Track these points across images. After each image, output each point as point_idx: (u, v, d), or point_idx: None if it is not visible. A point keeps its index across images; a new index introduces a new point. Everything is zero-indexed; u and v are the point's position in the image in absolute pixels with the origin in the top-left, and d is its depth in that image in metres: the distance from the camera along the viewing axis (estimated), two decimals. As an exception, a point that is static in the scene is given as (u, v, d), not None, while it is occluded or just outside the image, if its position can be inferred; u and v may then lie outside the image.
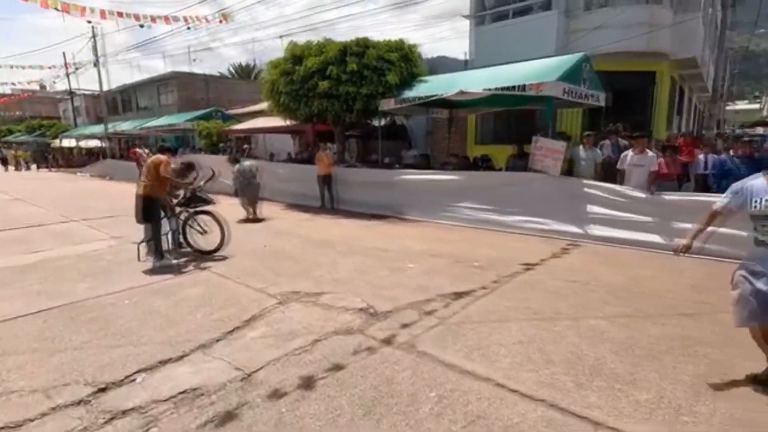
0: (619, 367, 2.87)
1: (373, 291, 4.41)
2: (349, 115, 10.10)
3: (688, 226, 5.35)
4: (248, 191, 9.02)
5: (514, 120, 12.29)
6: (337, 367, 2.92)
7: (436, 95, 8.51)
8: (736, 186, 2.67)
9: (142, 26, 17.26)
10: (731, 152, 5.94)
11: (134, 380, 2.84)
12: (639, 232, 6.00)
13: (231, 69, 38.50)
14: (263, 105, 13.70)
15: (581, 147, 7.39)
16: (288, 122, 11.75)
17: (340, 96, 9.67)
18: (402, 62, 9.92)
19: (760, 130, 17.78)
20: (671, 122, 13.11)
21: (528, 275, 4.95)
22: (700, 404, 2.46)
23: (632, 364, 2.91)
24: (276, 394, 2.63)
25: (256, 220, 8.74)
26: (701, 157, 7.08)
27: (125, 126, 24.72)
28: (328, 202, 10.09)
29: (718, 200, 2.78)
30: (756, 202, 2.49)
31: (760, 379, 2.63)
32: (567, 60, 7.77)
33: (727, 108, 34.56)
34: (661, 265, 5.17)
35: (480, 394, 2.59)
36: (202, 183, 6.19)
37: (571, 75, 7.52)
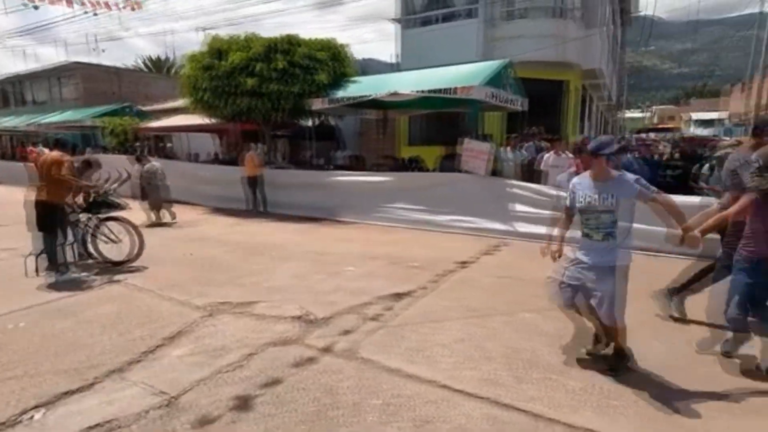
0: (553, 358, 3.03)
1: (311, 297, 4.24)
2: (278, 115, 9.73)
3: (635, 225, 5.95)
4: (156, 194, 8.41)
5: (443, 122, 12.71)
6: (275, 382, 2.74)
7: (368, 96, 8.49)
8: (570, 185, 2.94)
9: (36, 8, 15.17)
10: (636, 154, 6.63)
11: (31, 418, 2.42)
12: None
13: (144, 62, 35.44)
14: (183, 101, 12.74)
15: (507, 148, 7.80)
16: (211, 120, 11.03)
17: (268, 94, 9.27)
18: (332, 62, 9.78)
19: (652, 135, 20.35)
20: (581, 127, 14.44)
21: (463, 273, 5.08)
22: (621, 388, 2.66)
23: (564, 354, 3.08)
24: (206, 419, 2.39)
25: (161, 224, 8.15)
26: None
27: (14, 122, 21.60)
28: (257, 205, 9.63)
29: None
30: (582, 198, 2.77)
31: (591, 353, 2.94)
32: (491, 66, 8.18)
33: (623, 116, 38.79)
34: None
35: (425, 397, 2.56)
36: (114, 186, 5.55)
37: (495, 80, 7.92)
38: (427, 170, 9.61)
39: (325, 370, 2.88)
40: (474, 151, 7.50)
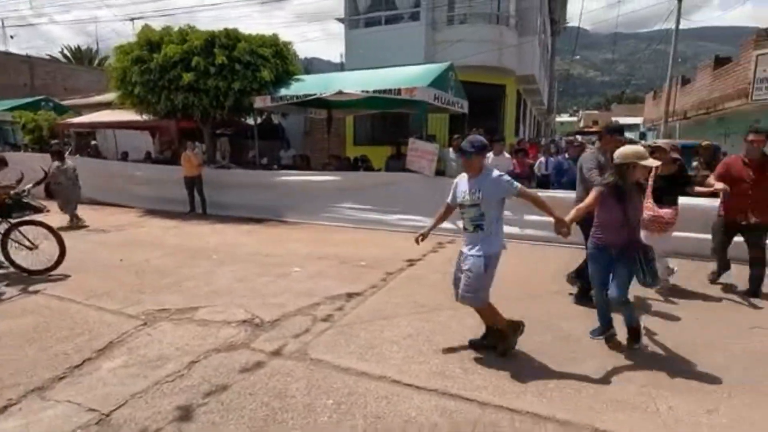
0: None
1: (257, 300, 4.11)
2: (220, 112, 9.32)
3: (535, 218, 6.34)
4: (72, 194, 7.92)
5: (389, 122, 12.85)
6: (221, 389, 2.62)
7: (314, 94, 8.38)
8: (453, 182, 3.19)
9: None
10: (567, 155, 7.12)
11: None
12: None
13: (64, 51, 32.35)
14: (111, 95, 11.81)
15: (450, 149, 8.03)
16: (143, 117, 10.32)
17: (209, 90, 8.85)
18: (276, 59, 9.54)
19: (579, 137, 22.03)
20: (517, 129, 15.22)
21: (411, 271, 5.17)
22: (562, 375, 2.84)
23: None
24: (145, 434, 2.23)
25: (81, 227, 7.64)
26: (542, 159, 8.35)
27: None
28: (198, 206, 9.16)
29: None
30: (459, 194, 3.04)
31: (475, 344, 3.16)
32: (436, 68, 8.39)
33: (554, 119, 41.52)
34: (522, 253, 5.88)
35: (377, 393, 2.58)
36: (28, 186, 5.02)
37: (440, 82, 8.14)
38: (375, 170, 9.66)
39: (273, 373, 2.80)
40: (419, 151, 7.65)
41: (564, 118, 64.66)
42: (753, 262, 4.29)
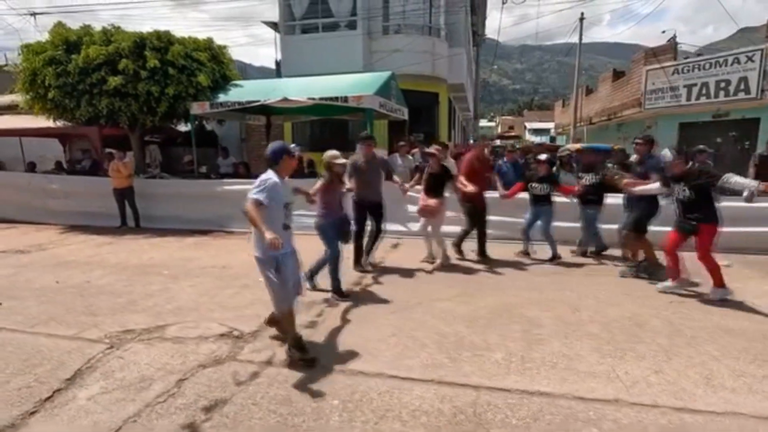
0: (474, 337, 3.45)
1: (230, 313, 4.01)
2: (151, 118, 8.75)
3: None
4: None
5: (329, 129, 12.92)
6: (222, 403, 2.58)
7: (258, 101, 8.22)
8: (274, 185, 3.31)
9: None
10: (505, 159, 7.76)
11: None
12: (450, 225, 7.19)
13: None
14: (13, 98, 10.50)
15: (397, 155, 8.33)
16: (59, 123, 9.33)
17: (138, 95, 8.28)
18: (213, 63, 9.19)
19: (497, 141, 23.75)
20: (449, 134, 16.08)
21: (376, 273, 5.33)
22: (533, 352, 3.20)
23: (482, 332, 3.54)
24: (154, 456, 2.15)
25: None
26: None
27: None
28: (130, 219, 8.50)
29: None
30: (288, 196, 3.33)
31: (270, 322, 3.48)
32: (379, 77, 8.67)
33: (478, 124, 44.14)
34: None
35: (378, 389, 2.71)
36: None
37: (384, 90, 8.43)
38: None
39: (271, 382, 2.81)
40: (369, 157, 7.84)
41: (483, 123, 68.98)
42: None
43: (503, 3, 16.99)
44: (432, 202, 5.35)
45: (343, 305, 4.21)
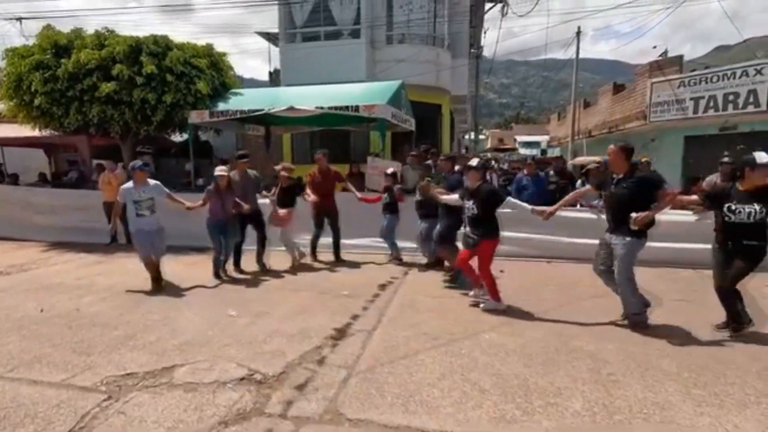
0: (539, 379, 2.97)
1: (247, 349, 3.47)
2: (146, 127, 8.21)
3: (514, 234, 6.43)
4: None
5: (330, 140, 12.47)
6: (257, 480, 2.05)
7: (262, 110, 7.75)
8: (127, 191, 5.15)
9: None
10: (525, 171, 7.40)
11: None
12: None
13: None
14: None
15: (409, 166, 7.91)
16: (45, 132, 8.72)
17: (133, 103, 7.75)
18: (212, 70, 8.73)
19: (488, 154, 23.68)
20: (451, 146, 15.80)
21: (399, 297, 4.85)
22: (616, 399, 2.73)
23: (545, 372, 3.06)
24: None
25: None
26: (494, 175, 8.63)
27: None
28: (122, 236, 7.85)
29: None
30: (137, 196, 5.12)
31: None
32: (390, 86, 8.30)
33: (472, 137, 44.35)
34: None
35: None
36: None
37: (395, 100, 8.05)
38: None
39: (314, 446, 2.29)
40: (381, 170, 7.41)
41: (472, 136, 69.46)
42: None
43: (503, 15, 16.93)
44: (282, 212, 6.02)
45: (375, 339, 3.71)
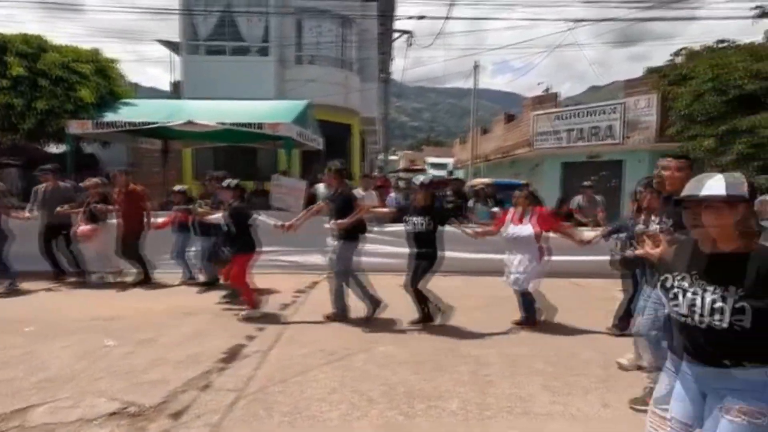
0: (424, 385, 3.17)
1: (123, 381, 3.18)
2: (11, 136, 7.23)
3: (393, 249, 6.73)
4: None
5: (236, 157, 12.05)
6: None
7: (156, 123, 7.26)
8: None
9: None
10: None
11: None
12: (380, 258, 6.92)
13: None
14: None
15: (321, 185, 7.96)
16: None
17: (-5, 108, 6.79)
18: (98, 77, 8.00)
19: (401, 173, 24.86)
20: (361, 166, 16.20)
21: (302, 314, 4.84)
22: (488, 397, 3.02)
23: (431, 378, 3.28)
24: None
25: None
26: (392, 194, 9.08)
27: None
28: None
29: None
30: None
31: None
32: (296, 105, 8.35)
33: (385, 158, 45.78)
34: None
35: None
36: None
37: (301, 119, 8.11)
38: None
39: (190, 475, 2.18)
40: (287, 188, 7.38)
41: (390, 156, 71.82)
42: None
43: (408, 45, 18.05)
44: (86, 228, 5.96)
45: (271, 359, 3.64)
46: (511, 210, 4.57)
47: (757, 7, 12.13)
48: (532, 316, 4.48)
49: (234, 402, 2.90)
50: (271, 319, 4.66)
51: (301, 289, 5.98)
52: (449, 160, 43.25)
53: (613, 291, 4.98)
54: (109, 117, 7.65)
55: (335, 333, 4.28)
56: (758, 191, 7.51)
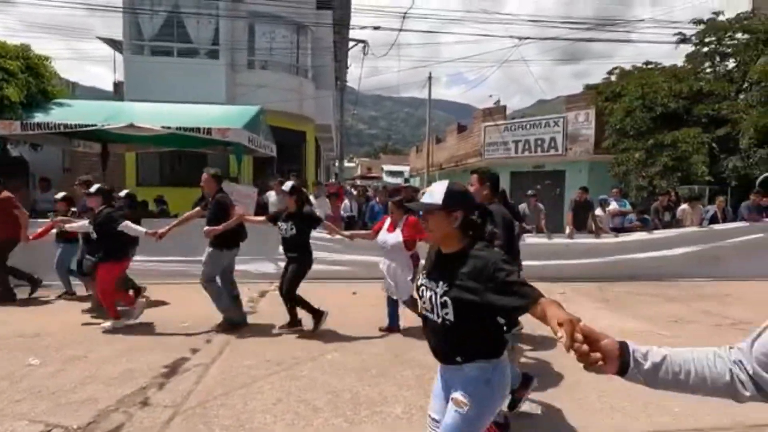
0: (369, 390, 3.20)
1: (48, 401, 2.96)
2: None
3: (363, 257, 6.75)
4: None
5: (183, 162, 11.60)
6: None
7: (94, 125, 6.85)
8: None
9: None
10: (377, 199, 7.95)
11: None
12: (329, 265, 6.89)
13: None
14: None
15: (272, 192, 7.83)
16: None
17: None
18: (28, 75, 7.44)
19: (358, 181, 25.03)
20: (316, 173, 16.07)
21: (251, 325, 4.71)
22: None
23: (376, 384, 3.31)
24: None
25: None
26: (347, 202, 9.10)
27: None
28: None
29: None
30: None
31: None
32: (247, 110, 8.17)
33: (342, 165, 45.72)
34: (349, 291, 6.14)
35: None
36: None
37: (252, 125, 7.93)
38: (172, 215, 8.43)
39: (119, 497, 2.07)
40: (237, 195, 7.12)
41: (346, 164, 71.80)
42: None
43: (364, 54, 18.22)
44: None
45: (213, 371, 3.53)
46: (388, 218, 4.54)
47: (678, 33, 13.39)
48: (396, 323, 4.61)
49: (170, 418, 2.79)
50: (222, 329, 4.50)
51: (252, 298, 5.83)
52: (405, 168, 43.88)
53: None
54: (40, 117, 7.11)
55: (283, 343, 4.22)
56: (682, 199, 8.02)
